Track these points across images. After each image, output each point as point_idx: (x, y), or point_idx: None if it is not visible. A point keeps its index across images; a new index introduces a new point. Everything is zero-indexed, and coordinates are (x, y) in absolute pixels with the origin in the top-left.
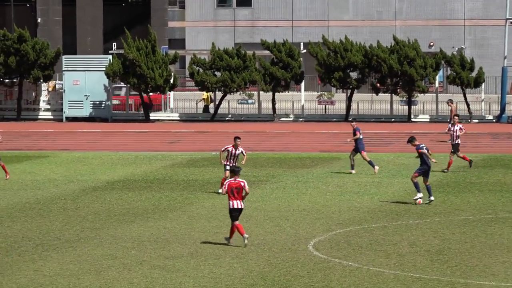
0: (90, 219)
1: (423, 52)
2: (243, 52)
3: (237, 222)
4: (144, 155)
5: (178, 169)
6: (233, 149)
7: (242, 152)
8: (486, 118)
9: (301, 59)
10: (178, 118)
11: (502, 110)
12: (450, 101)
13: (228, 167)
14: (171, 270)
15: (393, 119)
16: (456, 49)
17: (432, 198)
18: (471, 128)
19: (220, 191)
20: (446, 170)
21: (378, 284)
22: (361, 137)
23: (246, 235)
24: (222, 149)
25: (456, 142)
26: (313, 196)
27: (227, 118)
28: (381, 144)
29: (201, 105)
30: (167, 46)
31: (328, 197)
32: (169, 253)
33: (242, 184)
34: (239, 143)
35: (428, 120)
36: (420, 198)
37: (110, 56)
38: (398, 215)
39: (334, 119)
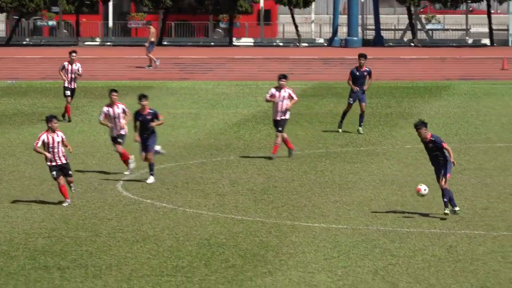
0: None
1: None
2: None
3: None
4: None
5: None
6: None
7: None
8: (317, 42)
9: None
10: None
11: (334, 32)
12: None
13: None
14: None
15: (212, 43)
16: None
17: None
18: (300, 53)
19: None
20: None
21: (195, 227)
22: None
23: None
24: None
25: None
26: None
27: (24, 42)
28: (199, 71)
29: None
30: None
31: None
32: None
33: None
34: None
35: (252, 44)
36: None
37: None
38: (218, 150)
39: (146, 43)
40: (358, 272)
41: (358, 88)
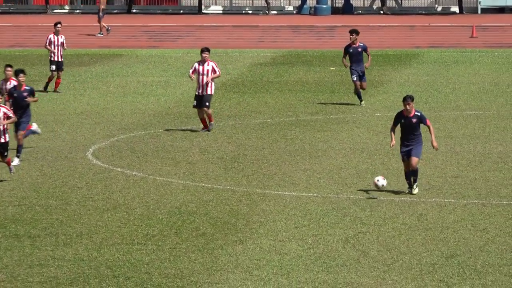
0: None
1: None
2: None
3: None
4: None
5: None
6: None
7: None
8: (286, 10)
9: None
10: None
11: (303, 0)
12: None
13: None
14: None
15: (181, 11)
16: None
17: None
18: (270, 21)
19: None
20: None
21: (165, 196)
22: None
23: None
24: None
25: None
26: (92, 97)
27: None
28: (168, 39)
29: None
30: None
31: (109, 99)
32: None
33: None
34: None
35: (221, 11)
36: None
37: None
38: (188, 118)
39: (115, 11)
40: (329, 241)
41: (347, 64)
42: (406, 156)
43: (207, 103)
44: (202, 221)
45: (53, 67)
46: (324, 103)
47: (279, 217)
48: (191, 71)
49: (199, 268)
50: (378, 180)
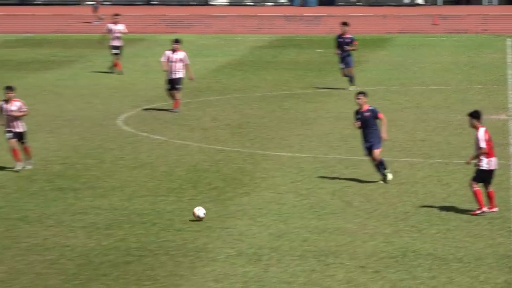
0: None
1: None
2: None
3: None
4: None
5: None
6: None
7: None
8: (279, 1)
9: None
10: None
11: None
12: None
13: None
14: None
15: (192, 3)
16: None
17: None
18: (266, 11)
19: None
20: None
21: (184, 156)
22: None
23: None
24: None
25: None
26: (121, 75)
27: (38, 2)
28: (183, 26)
29: None
30: None
31: (135, 76)
32: None
33: None
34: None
35: (226, 3)
36: None
37: None
38: (201, 92)
39: (138, 3)
40: (319, 193)
41: (339, 53)
42: (368, 151)
43: (178, 86)
44: (215, 177)
45: (113, 50)
46: (313, 79)
47: (277, 173)
48: (163, 58)
49: (212, 215)
50: (199, 210)
